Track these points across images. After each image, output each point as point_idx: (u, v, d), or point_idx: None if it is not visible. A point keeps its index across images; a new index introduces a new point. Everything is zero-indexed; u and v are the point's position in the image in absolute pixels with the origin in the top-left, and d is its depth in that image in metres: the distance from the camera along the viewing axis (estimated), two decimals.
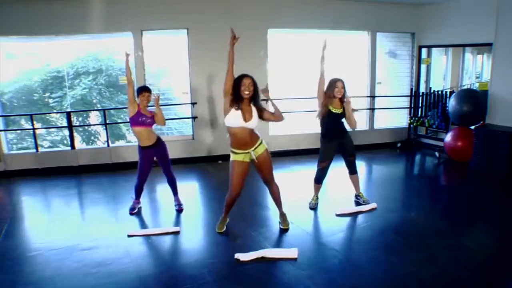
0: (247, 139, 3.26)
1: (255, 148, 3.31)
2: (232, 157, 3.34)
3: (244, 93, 3.15)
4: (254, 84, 3.20)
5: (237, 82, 3.17)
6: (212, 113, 6.08)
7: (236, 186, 3.36)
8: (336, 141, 3.94)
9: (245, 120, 3.18)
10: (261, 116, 3.29)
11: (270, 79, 5.98)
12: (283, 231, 3.57)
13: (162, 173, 4.09)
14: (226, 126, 3.28)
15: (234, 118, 3.18)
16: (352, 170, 4.16)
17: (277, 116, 3.34)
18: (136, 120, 3.80)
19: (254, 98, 3.24)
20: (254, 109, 3.24)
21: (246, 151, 3.30)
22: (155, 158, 3.99)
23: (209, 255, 3.15)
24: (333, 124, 3.88)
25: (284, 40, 6.41)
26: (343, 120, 3.93)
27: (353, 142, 4.06)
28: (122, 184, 5.04)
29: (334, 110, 3.82)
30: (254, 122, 3.23)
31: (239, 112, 3.17)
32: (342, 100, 3.84)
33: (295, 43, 6.50)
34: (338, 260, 3.02)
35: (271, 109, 3.39)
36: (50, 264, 3.00)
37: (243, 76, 3.19)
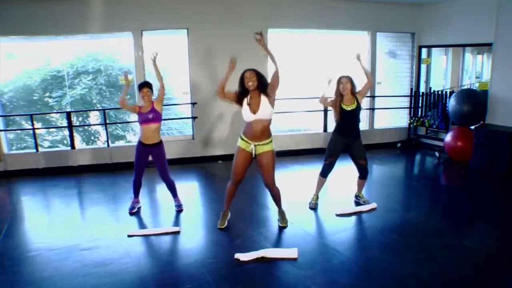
0: (257, 132, 3.33)
1: (258, 144, 3.34)
2: (238, 142, 3.44)
3: (248, 84, 3.26)
4: (257, 74, 3.30)
5: (241, 79, 3.32)
6: (212, 113, 6.08)
7: (237, 172, 3.45)
8: (345, 139, 3.92)
9: (254, 112, 3.27)
10: (271, 88, 3.33)
11: (270, 79, 5.97)
12: (282, 228, 3.58)
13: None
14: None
15: (245, 113, 3.32)
16: (363, 176, 4.12)
17: (276, 66, 3.33)
18: (139, 120, 3.88)
19: (262, 87, 3.30)
20: (263, 100, 3.29)
21: (249, 142, 3.35)
22: (150, 158, 3.98)
23: (209, 255, 3.15)
24: (347, 121, 3.88)
25: (284, 40, 6.42)
26: (358, 119, 3.95)
27: (363, 147, 4.00)
28: (122, 184, 5.04)
29: (347, 108, 3.83)
30: (264, 112, 3.28)
31: (247, 106, 3.29)
32: (353, 92, 3.85)
33: (295, 43, 6.50)
34: (338, 260, 3.02)
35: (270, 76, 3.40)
36: (50, 264, 3.00)
37: (244, 72, 3.33)
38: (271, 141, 3.41)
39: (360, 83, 3.92)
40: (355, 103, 3.83)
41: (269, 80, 3.38)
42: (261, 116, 3.27)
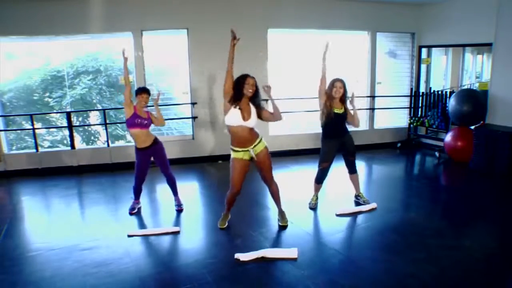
0: (247, 137, 3.31)
1: (254, 146, 3.34)
2: (232, 154, 3.40)
3: (248, 91, 3.23)
4: (257, 85, 3.30)
5: (240, 81, 3.25)
6: (212, 113, 6.08)
7: (236, 183, 3.41)
8: (337, 140, 3.94)
9: (244, 119, 3.24)
10: (260, 116, 3.35)
11: (270, 79, 5.98)
12: (282, 228, 3.58)
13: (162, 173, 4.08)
14: (226, 124, 3.34)
15: (233, 117, 3.24)
16: (352, 170, 4.16)
17: (276, 116, 3.41)
18: (132, 122, 3.77)
19: (255, 98, 3.30)
20: (253, 109, 3.30)
21: (246, 149, 3.34)
22: (152, 159, 3.98)
23: (209, 255, 3.15)
24: (335, 124, 3.89)
25: (284, 40, 6.42)
26: (346, 120, 3.95)
27: (353, 141, 4.05)
28: (122, 184, 5.04)
29: (336, 111, 3.83)
30: (253, 121, 3.29)
31: (238, 111, 3.23)
32: (342, 100, 3.85)
33: (295, 43, 6.50)
34: (338, 260, 3.02)
35: (271, 108, 3.44)
36: (50, 264, 3.00)
37: (246, 76, 3.27)
38: (261, 138, 3.43)
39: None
40: (343, 108, 3.86)
41: (267, 108, 3.45)
42: (249, 124, 3.27)
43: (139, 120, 3.77)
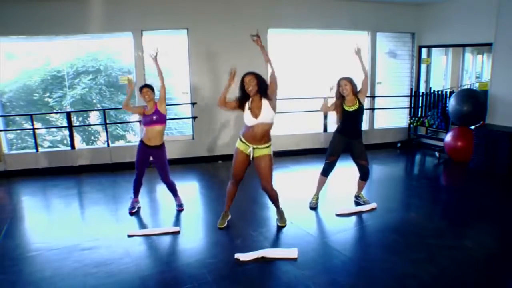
0: (258, 136, 3.32)
1: (256, 147, 3.33)
2: (237, 143, 3.43)
3: (248, 90, 3.25)
4: (258, 78, 3.27)
5: (242, 83, 3.30)
6: (212, 113, 6.07)
7: (237, 172, 3.47)
8: (346, 139, 3.94)
9: (255, 117, 3.26)
10: (271, 90, 3.28)
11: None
12: (281, 228, 3.59)
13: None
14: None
15: (246, 117, 3.31)
16: (363, 177, 4.13)
17: (272, 68, 3.33)
18: (143, 121, 3.93)
19: (261, 90, 3.27)
20: (265, 103, 3.27)
21: (248, 144, 3.34)
22: (151, 159, 3.98)
23: (209, 255, 3.15)
24: (349, 122, 3.89)
25: (284, 40, 6.41)
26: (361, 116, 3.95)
27: (364, 147, 4.00)
28: (122, 184, 5.04)
29: (349, 109, 3.83)
30: (266, 115, 3.27)
31: (249, 111, 3.29)
32: (354, 93, 3.84)
33: (295, 43, 6.50)
34: (338, 260, 3.02)
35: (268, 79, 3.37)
36: (50, 264, 3.00)
37: (244, 76, 3.30)
38: (269, 145, 3.40)
39: (359, 80, 3.90)
40: (357, 103, 3.83)
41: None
42: (263, 120, 3.26)
43: (147, 119, 3.87)
